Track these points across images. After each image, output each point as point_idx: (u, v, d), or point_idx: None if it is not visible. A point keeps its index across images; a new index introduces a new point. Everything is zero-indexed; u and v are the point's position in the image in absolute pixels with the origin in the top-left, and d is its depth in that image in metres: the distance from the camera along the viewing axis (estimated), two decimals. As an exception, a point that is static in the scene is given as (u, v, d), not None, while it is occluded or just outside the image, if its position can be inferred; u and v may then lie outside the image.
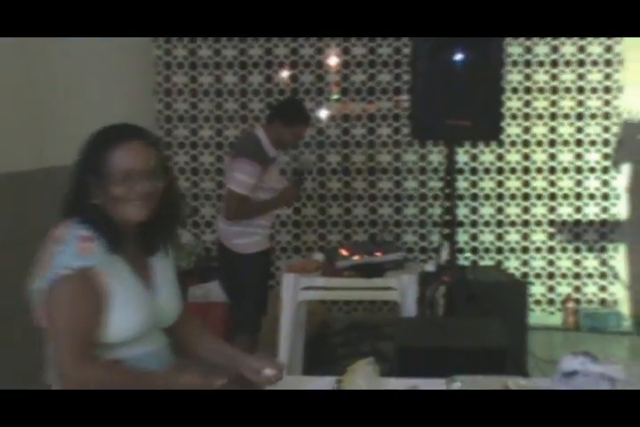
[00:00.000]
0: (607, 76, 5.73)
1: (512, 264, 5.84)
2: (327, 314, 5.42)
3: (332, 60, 5.84)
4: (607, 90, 5.73)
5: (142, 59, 5.68)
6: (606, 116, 5.75)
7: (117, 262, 1.95)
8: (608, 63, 5.72)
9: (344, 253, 4.24)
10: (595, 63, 5.73)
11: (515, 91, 5.73)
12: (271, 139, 4.18)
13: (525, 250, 5.85)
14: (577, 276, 5.86)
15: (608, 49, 5.71)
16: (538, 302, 5.84)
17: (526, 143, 5.78)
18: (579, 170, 5.79)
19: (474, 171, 5.79)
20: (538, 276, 5.85)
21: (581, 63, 5.73)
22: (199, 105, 5.85)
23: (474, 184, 5.80)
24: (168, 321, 2.11)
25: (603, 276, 5.85)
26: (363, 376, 2.16)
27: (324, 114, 5.87)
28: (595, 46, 5.72)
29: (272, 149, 4.18)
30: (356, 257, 4.21)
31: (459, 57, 4.30)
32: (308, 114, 4.39)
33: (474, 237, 5.84)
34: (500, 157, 5.79)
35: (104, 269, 1.90)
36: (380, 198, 5.84)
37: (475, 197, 5.81)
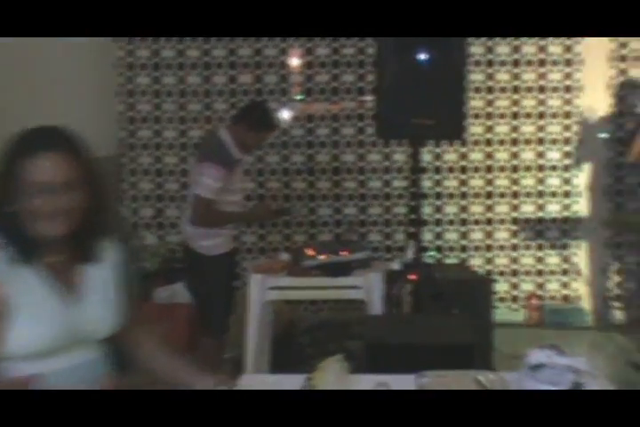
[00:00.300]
0: (567, 76, 5.81)
1: (476, 262, 5.90)
2: (294, 314, 5.42)
3: (296, 61, 5.86)
4: (568, 89, 5.82)
5: (103, 60, 5.65)
6: (567, 115, 5.84)
7: (26, 273, 1.85)
8: (568, 63, 5.80)
9: (310, 252, 4.25)
10: (555, 63, 5.81)
11: (477, 90, 5.79)
12: (235, 141, 4.17)
13: (489, 248, 5.92)
14: (540, 273, 5.94)
15: (568, 49, 5.79)
16: (502, 299, 5.91)
17: (489, 142, 5.85)
18: (541, 168, 5.87)
19: (438, 170, 5.85)
20: (502, 273, 5.92)
21: (542, 63, 5.81)
22: (162, 106, 5.83)
23: (438, 183, 5.85)
24: (99, 333, 1.98)
25: (565, 272, 5.94)
26: (333, 373, 2.18)
27: (287, 114, 5.88)
28: (555, 46, 5.80)
29: (236, 150, 4.18)
30: (322, 256, 4.23)
31: (422, 57, 4.34)
32: (274, 120, 4.36)
33: (438, 236, 5.90)
34: (463, 156, 5.85)
35: (5, 280, 1.81)
36: (345, 198, 5.86)
37: (439, 195, 5.87)
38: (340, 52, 5.78)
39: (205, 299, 4.29)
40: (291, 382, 2.21)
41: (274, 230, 5.88)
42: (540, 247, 5.92)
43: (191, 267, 4.42)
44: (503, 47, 5.80)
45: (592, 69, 5.80)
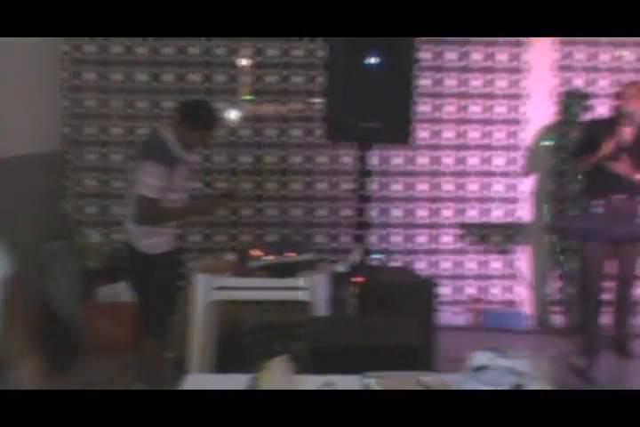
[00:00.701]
0: (514, 83, 5.92)
1: (421, 265, 5.97)
2: (239, 314, 5.42)
3: (246, 61, 5.85)
4: (514, 96, 5.93)
5: (49, 54, 5.56)
6: (513, 122, 5.94)
7: None
8: (515, 70, 5.91)
9: (256, 253, 4.26)
10: (502, 70, 5.91)
11: (425, 95, 5.85)
12: (178, 139, 4.15)
13: (434, 252, 6.00)
14: (483, 277, 6.04)
15: (515, 56, 5.90)
16: (445, 303, 5.98)
17: (436, 147, 5.92)
18: (486, 174, 5.97)
19: (384, 173, 5.90)
20: (446, 277, 5.99)
21: (489, 70, 5.91)
22: (109, 103, 5.78)
23: (384, 186, 5.91)
24: None
25: (508, 277, 6.05)
26: (278, 374, 2.19)
27: (236, 114, 5.88)
28: (502, 54, 5.90)
29: (179, 149, 4.16)
30: (268, 257, 4.24)
31: (372, 61, 4.39)
32: (214, 119, 4.30)
33: (384, 239, 5.95)
34: (410, 160, 5.92)
35: None
36: (292, 199, 5.88)
37: (385, 199, 5.92)
38: (290, 54, 5.80)
39: (148, 298, 4.26)
40: (235, 382, 2.22)
41: (220, 230, 5.87)
42: (483, 252, 6.02)
43: (134, 266, 4.39)
44: (451, 53, 5.88)
45: (538, 78, 5.92)
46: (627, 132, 5.18)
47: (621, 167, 5.05)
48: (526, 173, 5.99)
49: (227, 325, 4.87)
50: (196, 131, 4.17)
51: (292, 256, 4.30)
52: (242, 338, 5.10)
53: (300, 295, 4.27)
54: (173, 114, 4.37)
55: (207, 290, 4.19)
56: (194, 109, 4.27)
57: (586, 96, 5.98)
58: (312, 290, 4.22)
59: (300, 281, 4.23)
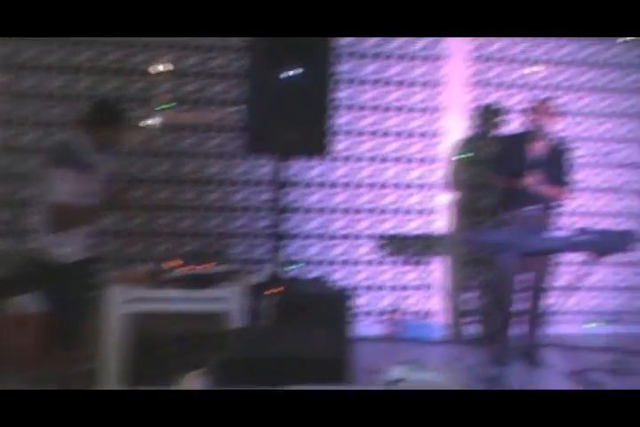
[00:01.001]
0: (432, 97, 6.04)
1: (338, 276, 6.01)
2: (155, 325, 5.35)
3: (164, 69, 5.81)
4: (431, 110, 6.04)
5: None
6: (430, 135, 6.06)
7: None
8: (433, 84, 6.03)
9: (173, 263, 4.23)
10: (420, 84, 6.02)
11: (344, 107, 5.92)
12: (89, 143, 4.10)
13: (350, 263, 6.05)
14: (400, 288, 6.11)
15: (433, 70, 6.02)
16: (362, 314, 6.04)
17: (353, 159, 5.98)
18: (402, 186, 6.06)
19: (302, 184, 5.93)
20: (363, 288, 6.05)
21: (407, 84, 6.01)
22: (21, 109, 5.64)
23: (302, 197, 5.94)
24: None
25: (423, 287, 6.14)
26: (195, 387, 2.18)
27: (153, 123, 5.82)
28: (419, 68, 6.01)
29: (90, 153, 4.10)
30: (185, 268, 4.21)
31: (291, 73, 4.41)
32: (118, 115, 4.23)
33: (301, 250, 5.97)
34: (327, 172, 5.96)
35: None
36: (210, 209, 5.85)
37: (303, 209, 5.95)
38: (209, 63, 5.78)
39: (58, 308, 4.17)
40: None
41: (137, 240, 5.79)
42: (400, 263, 6.10)
43: (45, 275, 4.30)
44: (370, 66, 5.95)
45: (454, 92, 6.05)
46: (539, 147, 5.34)
47: (531, 183, 5.20)
48: (443, 186, 6.11)
49: (142, 336, 4.79)
50: (103, 130, 4.11)
51: (209, 267, 4.28)
52: (157, 350, 5.03)
53: (217, 307, 4.25)
54: (80, 118, 4.30)
55: (122, 302, 4.13)
56: (96, 108, 4.20)
57: (499, 111, 6.14)
58: (229, 301, 4.21)
59: (217, 292, 4.21)
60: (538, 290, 5.45)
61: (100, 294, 4.56)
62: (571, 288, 6.12)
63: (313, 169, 5.93)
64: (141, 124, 5.70)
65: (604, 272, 6.42)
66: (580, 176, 6.27)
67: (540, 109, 5.30)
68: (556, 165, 5.40)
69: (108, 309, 4.15)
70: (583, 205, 6.37)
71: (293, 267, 5.88)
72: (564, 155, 5.49)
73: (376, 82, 5.99)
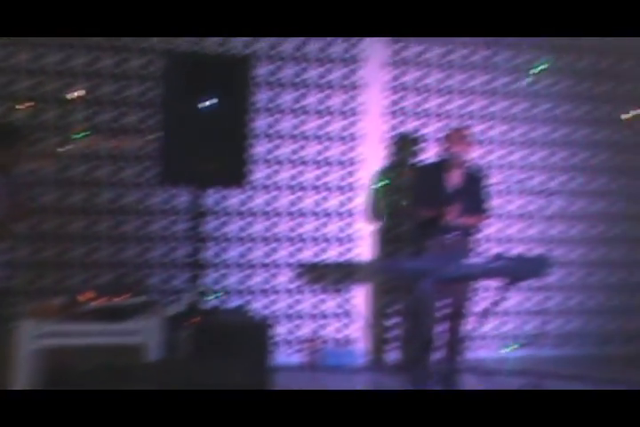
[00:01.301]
0: (350, 125, 6.13)
1: (257, 306, 6.00)
2: (68, 360, 5.24)
3: (80, 97, 5.74)
4: (349, 138, 6.13)
5: None
6: (349, 163, 6.13)
7: None
8: (350, 112, 6.12)
9: (86, 296, 4.17)
10: (338, 112, 6.11)
11: (261, 136, 5.96)
12: None
13: (270, 292, 6.05)
14: (319, 316, 6.14)
15: (351, 98, 6.12)
16: (282, 343, 6.04)
17: (272, 187, 6.01)
18: (322, 214, 6.11)
19: (221, 213, 5.92)
20: (282, 317, 6.06)
21: (325, 112, 6.09)
22: None
23: (221, 226, 5.93)
24: None
25: (344, 315, 6.18)
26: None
27: (68, 151, 5.74)
28: (337, 97, 6.10)
29: None
30: (99, 300, 4.16)
31: (208, 102, 4.43)
32: (11, 136, 4.25)
33: (220, 280, 5.95)
34: (246, 200, 5.97)
35: None
36: (126, 240, 5.79)
37: (222, 239, 5.94)
38: (125, 91, 5.75)
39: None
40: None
41: (49, 272, 5.68)
42: (320, 291, 6.13)
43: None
44: (287, 95, 6.02)
45: (371, 121, 6.16)
46: (455, 176, 5.46)
47: (451, 214, 5.31)
48: (362, 214, 6.18)
49: (54, 372, 4.70)
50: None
51: (124, 299, 4.23)
52: (71, 384, 4.93)
53: (133, 340, 4.20)
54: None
55: (33, 337, 4.04)
56: None
57: (416, 140, 6.27)
58: (145, 334, 4.16)
59: (133, 325, 4.16)
60: (456, 316, 5.54)
61: (10, 328, 4.46)
62: (487, 313, 6.24)
63: (232, 198, 5.94)
64: (56, 152, 5.62)
65: (518, 297, 6.57)
66: (496, 203, 6.43)
67: (455, 138, 5.42)
68: (472, 193, 5.52)
69: (19, 344, 4.05)
70: (499, 232, 6.53)
71: (212, 297, 5.86)
72: (479, 183, 5.62)
73: (295, 111, 6.05)
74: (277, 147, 6.02)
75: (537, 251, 6.58)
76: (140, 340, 4.16)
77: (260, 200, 6.01)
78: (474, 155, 6.28)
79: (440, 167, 5.52)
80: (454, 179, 5.47)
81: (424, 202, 5.50)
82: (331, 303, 6.18)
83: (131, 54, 5.73)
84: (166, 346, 4.29)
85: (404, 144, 6.27)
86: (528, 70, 6.51)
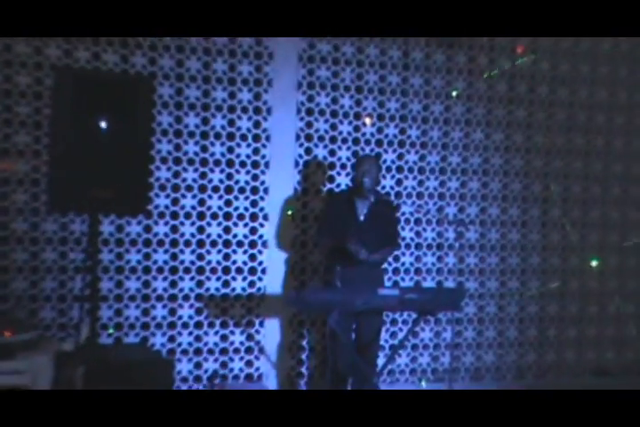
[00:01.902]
0: (255, 151, 6.10)
1: (158, 341, 5.88)
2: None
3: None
4: (254, 165, 6.09)
5: None
6: (253, 190, 6.09)
7: None
8: (256, 138, 6.09)
9: (-32, 333, 4.00)
10: (243, 137, 6.07)
11: (164, 161, 5.86)
12: None
13: (172, 325, 5.93)
14: (224, 351, 6.05)
15: (256, 124, 6.10)
16: (185, 380, 5.94)
17: (175, 215, 5.92)
18: (227, 243, 6.04)
19: (119, 242, 5.78)
20: (185, 352, 5.95)
21: (231, 137, 6.04)
22: None
23: (119, 256, 5.79)
24: None
25: (249, 350, 6.10)
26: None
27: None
28: (244, 121, 6.07)
29: None
30: (-19, 338, 4.00)
31: (103, 124, 4.33)
32: None
33: (118, 313, 5.80)
34: (147, 229, 5.86)
35: None
36: (14, 271, 5.59)
37: (120, 270, 5.79)
38: (14, 110, 5.57)
39: None
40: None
41: None
42: (224, 325, 6.04)
43: None
44: (192, 119, 5.95)
45: (279, 146, 6.14)
46: (364, 204, 5.49)
47: (353, 247, 5.32)
48: (269, 243, 6.13)
49: None
50: None
51: (9, 336, 4.08)
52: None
53: (18, 380, 4.05)
54: None
55: None
56: None
57: (325, 166, 6.28)
58: (32, 373, 4.02)
59: (18, 364, 4.01)
60: (368, 348, 5.54)
61: None
62: (401, 346, 6.27)
63: (130, 226, 5.81)
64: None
65: (432, 330, 6.62)
66: (407, 232, 6.49)
67: (364, 165, 5.45)
68: (383, 221, 5.55)
69: None
70: (413, 262, 6.57)
71: (110, 332, 5.70)
72: (390, 211, 5.66)
73: (199, 134, 5.98)
74: (180, 172, 5.93)
75: (452, 282, 6.65)
76: (27, 380, 4.01)
77: (162, 228, 5.89)
78: (383, 182, 6.36)
79: (350, 195, 5.55)
80: (363, 207, 5.50)
81: (332, 230, 5.51)
82: (236, 338, 6.09)
83: (21, 69, 5.57)
84: (57, 386, 4.15)
85: (313, 171, 6.27)
86: (442, 95, 6.62)
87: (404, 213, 6.51)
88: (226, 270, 6.05)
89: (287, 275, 6.20)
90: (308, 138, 6.29)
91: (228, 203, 6.06)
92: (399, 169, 6.51)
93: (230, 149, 6.06)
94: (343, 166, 6.33)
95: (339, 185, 6.27)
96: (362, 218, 5.49)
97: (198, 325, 6.00)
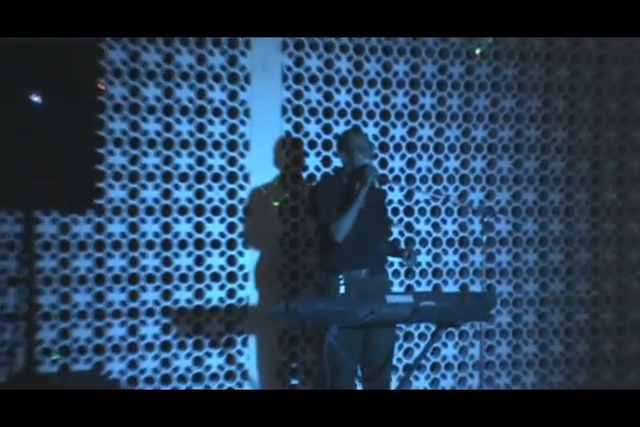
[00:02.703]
0: (231, 129, 6.08)
1: (116, 367, 5.86)
2: None
3: None
4: (231, 145, 6.08)
5: None
6: (231, 177, 6.09)
7: None
8: (232, 112, 6.08)
9: None
10: (215, 112, 6.05)
11: (118, 143, 5.82)
12: None
13: (133, 347, 5.92)
14: (198, 378, 6.05)
15: (231, 96, 6.08)
16: (150, 414, 5.93)
17: (133, 210, 5.89)
18: (199, 244, 6.02)
19: (64, 246, 5.76)
20: (149, 380, 5.94)
21: (200, 111, 6.02)
22: None
23: (64, 264, 5.75)
24: None
25: (229, 376, 6.10)
26: None
27: None
28: (216, 91, 6.05)
29: None
30: None
31: (37, 100, 4.32)
32: None
33: (64, 334, 5.76)
34: (99, 228, 5.82)
35: None
36: None
37: (66, 280, 5.76)
38: None
39: None
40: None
41: None
42: (198, 345, 6.04)
43: None
44: (152, 90, 5.92)
45: (261, 122, 6.12)
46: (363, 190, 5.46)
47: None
48: (249, 242, 6.12)
49: None
50: None
51: None
52: None
53: None
54: None
55: None
56: None
57: (318, 146, 6.26)
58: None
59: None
60: (380, 373, 5.53)
61: None
62: (418, 367, 6.27)
63: (78, 225, 5.78)
64: None
65: (456, 346, 6.63)
66: (423, 225, 6.48)
67: (358, 138, 5.44)
68: (378, 211, 5.52)
69: None
70: (430, 262, 6.56)
71: (54, 358, 5.69)
72: (380, 196, 5.64)
73: (164, 109, 5.95)
74: (140, 156, 5.90)
75: (477, 286, 6.64)
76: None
77: (119, 227, 5.87)
78: (394, 163, 6.36)
79: (345, 179, 5.49)
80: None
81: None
82: (212, 361, 6.09)
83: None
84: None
85: (305, 151, 6.27)
86: (462, 54, 6.60)
87: (418, 202, 6.51)
88: (199, 277, 6.03)
89: (274, 281, 6.20)
90: (297, 111, 6.27)
91: (199, 194, 6.04)
92: (410, 147, 6.50)
93: (201, 127, 6.03)
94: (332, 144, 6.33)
95: (336, 169, 6.25)
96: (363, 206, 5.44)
97: (165, 346, 5.99)
